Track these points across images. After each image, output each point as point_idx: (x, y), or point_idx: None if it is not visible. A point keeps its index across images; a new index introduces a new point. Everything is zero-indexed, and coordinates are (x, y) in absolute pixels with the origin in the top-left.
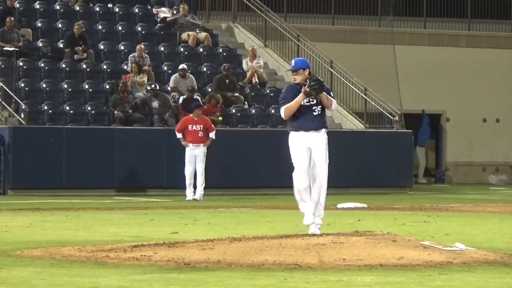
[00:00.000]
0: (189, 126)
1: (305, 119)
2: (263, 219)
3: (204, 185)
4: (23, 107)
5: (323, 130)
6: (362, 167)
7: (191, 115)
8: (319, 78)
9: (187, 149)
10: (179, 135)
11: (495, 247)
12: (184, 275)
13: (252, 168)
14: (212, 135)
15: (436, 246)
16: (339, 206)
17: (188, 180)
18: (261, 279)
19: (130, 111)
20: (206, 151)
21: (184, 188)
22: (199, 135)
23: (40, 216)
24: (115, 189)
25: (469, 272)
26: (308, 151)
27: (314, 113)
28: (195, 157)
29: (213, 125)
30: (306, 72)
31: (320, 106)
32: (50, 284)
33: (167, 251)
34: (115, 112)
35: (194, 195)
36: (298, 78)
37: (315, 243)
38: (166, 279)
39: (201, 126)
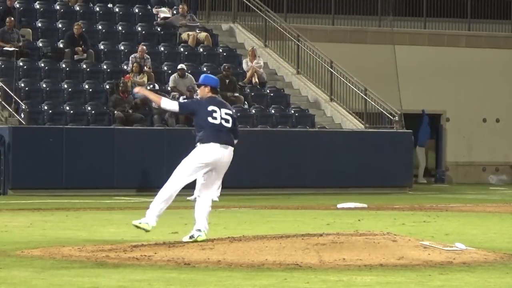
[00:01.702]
0: None
1: None
2: (263, 219)
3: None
4: (23, 107)
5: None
6: (362, 167)
7: None
8: None
9: None
10: None
11: (495, 247)
12: (184, 275)
13: (252, 168)
14: None
15: (436, 246)
16: (339, 206)
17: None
18: (261, 279)
19: (130, 111)
20: None
21: (187, 188)
22: None
23: (40, 216)
24: (115, 189)
25: (469, 272)
26: None
27: None
28: None
29: None
30: (207, 89)
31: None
32: (50, 284)
33: (167, 251)
34: (115, 112)
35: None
36: (199, 93)
37: (315, 243)
38: (166, 279)
39: None
